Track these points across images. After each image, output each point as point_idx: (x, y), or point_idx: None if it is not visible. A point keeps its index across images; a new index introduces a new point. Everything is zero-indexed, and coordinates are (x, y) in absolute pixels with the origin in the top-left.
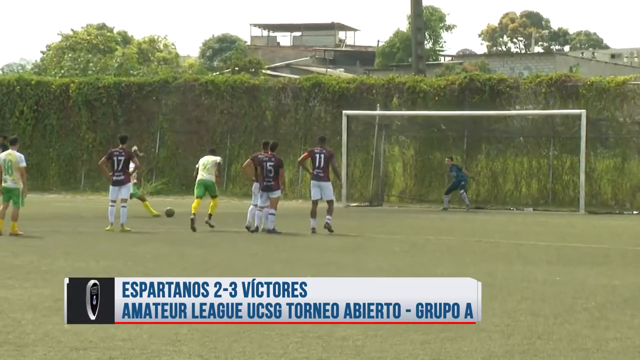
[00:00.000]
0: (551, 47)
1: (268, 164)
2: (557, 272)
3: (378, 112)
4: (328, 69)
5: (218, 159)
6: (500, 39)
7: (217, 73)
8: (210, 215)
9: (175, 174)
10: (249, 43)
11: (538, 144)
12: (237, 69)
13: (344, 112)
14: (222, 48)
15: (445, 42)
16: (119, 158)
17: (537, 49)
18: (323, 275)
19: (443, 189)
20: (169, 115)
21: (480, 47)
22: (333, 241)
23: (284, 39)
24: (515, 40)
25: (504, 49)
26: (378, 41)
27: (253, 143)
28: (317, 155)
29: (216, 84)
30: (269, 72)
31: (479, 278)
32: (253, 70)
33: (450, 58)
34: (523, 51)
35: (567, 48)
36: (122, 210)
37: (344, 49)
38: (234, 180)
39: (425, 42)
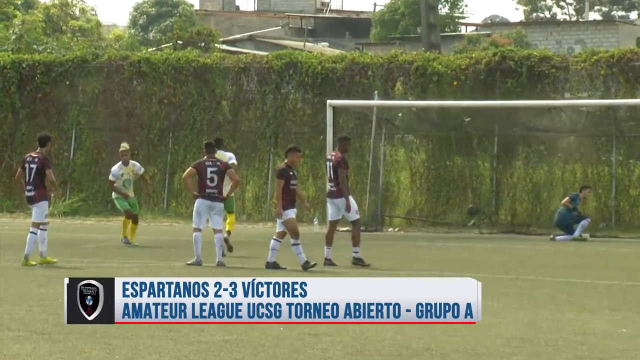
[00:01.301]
0: (612, 13)
1: (210, 170)
2: (624, 322)
3: (376, 102)
4: (307, 43)
5: (231, 158)
6: (543, 2)
7: (154, 49)
8: (228, 231)
9: (96, 186)
10: (197, 8)
11: (595, 146)
12: (180, 42)
13: (328, 102)
14: (160, 14)
15: (467, 6)
16: (31, 166)
17: (593, 16)
18: (301, 329)
19: (465, 206)
20: (88, 107)
21: (515, 14)
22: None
23: (246, 2)
24: (562, 3)
25: (548, 15)
26: (375, 5)
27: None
28: (327, 164)
29: (153, 63)
30: (225, 47)
31: (516, 329)
32: (203, 44)
33: (474, 28)
34: (574, 19)
35: (633, 15)
36: (36, 236)
37: (327, 15)
38: (178, 196)
39: (440, 6)
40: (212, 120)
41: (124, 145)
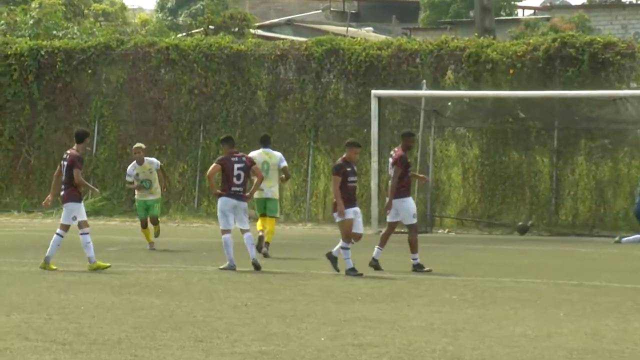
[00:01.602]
0: None
1: (237, 166)
2: None
3: (424, 92)
4: (349, 28)
5: (283, 162)
6: None
7: (184, 34)
8: (267, 243)
9: (121, 184)
10: None
11: None
12: (212, 27)
13: (373, 92)
14: None
15: None
16: (63, 163)
17: None
18: (344, 339)
19: (523, 206)
20: (112, 98)
21: None
22: (360, 285)
23: None
24: None
25: None
26: None
27: (238, 138)
28: (389, 161)
29: (182, 50)
30: (260, 32)
31: (578, 340)
32: (237, 29)
33: (532, 12)
34: None
35: None
36: (60, 238)
37: None
38: (210, 195)
39: None
40: (247, 112)
41: (139, 144)
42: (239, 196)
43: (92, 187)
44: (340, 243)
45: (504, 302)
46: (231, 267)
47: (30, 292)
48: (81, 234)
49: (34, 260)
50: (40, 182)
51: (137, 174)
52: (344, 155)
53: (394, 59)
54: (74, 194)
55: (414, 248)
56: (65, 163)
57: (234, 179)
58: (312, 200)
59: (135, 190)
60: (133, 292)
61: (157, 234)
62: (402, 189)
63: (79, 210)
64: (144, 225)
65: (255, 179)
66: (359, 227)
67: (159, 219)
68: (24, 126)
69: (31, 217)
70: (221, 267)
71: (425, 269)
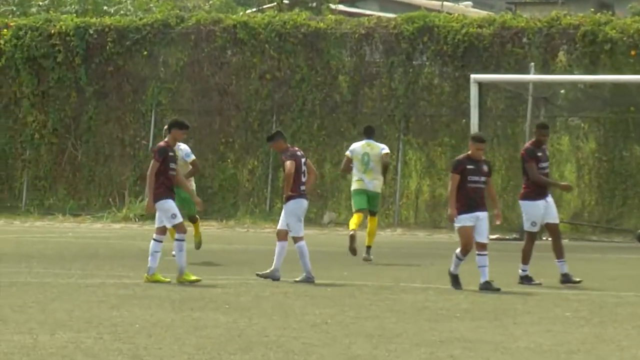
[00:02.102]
0: None
1: (303, 161)
2: None
3: (532, 76)
4: (445, 2)
5: (385, 149)
6: None
7: (254, 10)
8: (368, 247)
9: None
10: None
11: None
12: (287, 2)
13: (472, 76)
14: None
15: None
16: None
17: None
18: None
19: None
20: (171, 83)
21: None
22: (458, 300)
23: None
24: None
25: None
26: None
27: (317, 130)
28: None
29: (252, 28)
30: (342, 7)
31: None
32: (315, 4)
33: None
34: None
35: None
36: (159, 244)
37: None
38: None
39: None
40: (326, 100)
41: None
42: (306, 196)
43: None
44: (455, 252)
45: (625, 319)
46: (309, 280)
47: (77, 308)
48: (154, 239)
49: (81, 271)
50: (88, 180)
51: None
52: (469, 152)
53: (497, 38)
54: (162, 192)
55: (525, 258)
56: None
57: (302, 177)
58: (402, 202)
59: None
60: (196, 308)
61: (198, 245)
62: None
63: (165, 210)
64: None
65: (306, 177)
66: (481, 235)
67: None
68: (69, 116)
69: (78, 222)
70: (297, 279)
71: (535, 281)
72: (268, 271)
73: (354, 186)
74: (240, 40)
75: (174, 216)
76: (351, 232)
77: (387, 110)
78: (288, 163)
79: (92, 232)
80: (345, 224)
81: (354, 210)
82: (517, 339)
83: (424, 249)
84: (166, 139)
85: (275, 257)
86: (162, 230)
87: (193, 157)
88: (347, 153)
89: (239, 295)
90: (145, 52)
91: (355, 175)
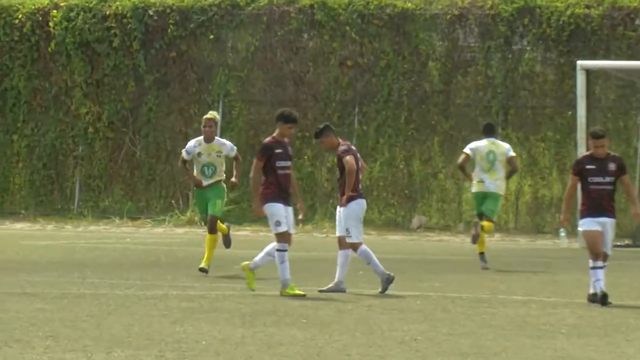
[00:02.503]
0: None
1: (358, 156)
2: None
3: None
4: None
5: (511, 151)
6: None
7: None
8: (482, 254)
9: None
10: None
11: None
12: None
13: (579, 63)
14: None
15: None
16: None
17: None
18: None
19: None
20: (240, 71)
21: None
22: (564, 314)
23: None
24: None
25: None
26: None
27: (405, 123)
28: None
29: (331, 9)
30: None
31: None
32: None
33: None
34: None
35: None
36: (282, 253)
37: None
38: (369, 196)
39: None
40: (415, 89)
41: (212, 114)
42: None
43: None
44: (589, 262)
45: None
46: (388, 280)
47: (136, 323)
48: (277, 249)
49: (140, 281)
50: (148, 180)
51: (200, 154)
52: (591, 151)
53: (607, 19)
54: (267, 193)
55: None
56: None
57: (360, 175)
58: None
59: (185, 176)
60: (269, 323)
61: (227, 242)
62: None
63: (274, 214)
64: (211, 229)
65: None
66: (605, 245)
67: (222, 223)
68: (127, 108)
69: (137, 226)
70: (381, 290)
71: None
72: (331, 285)
73: (475, 189)
74: (318, 23)
75: (278, 224)
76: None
77: (483, 101)
78: (349, 158)
79: (153, 237)
80: (437, 228)
81: (475, 215)
82: (630, 358)
83: (525, 257)
84: (274, 135)
85: (338, 268)
86: (284, 237)
87: (235, 151)
88: (467, 151)
89: (317, 309)
90: (211, 36)
91: (475, 176)
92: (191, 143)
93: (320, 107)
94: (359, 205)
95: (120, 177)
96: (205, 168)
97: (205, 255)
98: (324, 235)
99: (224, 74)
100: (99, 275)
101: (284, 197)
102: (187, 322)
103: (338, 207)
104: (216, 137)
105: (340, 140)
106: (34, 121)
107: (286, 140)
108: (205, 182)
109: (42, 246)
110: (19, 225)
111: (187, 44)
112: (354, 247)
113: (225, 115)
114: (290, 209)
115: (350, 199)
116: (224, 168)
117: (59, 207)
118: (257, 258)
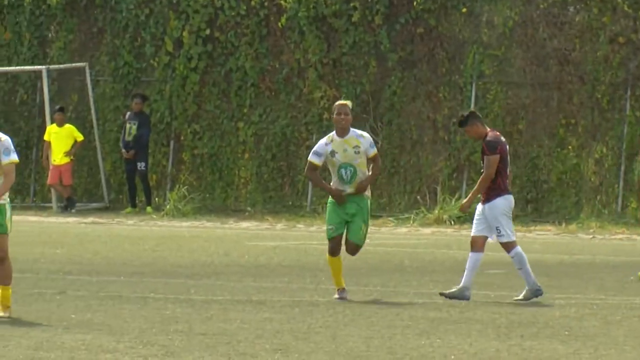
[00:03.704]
0: None
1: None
2: None
3: None
4: None
5: None
6: None
7: None
8: None
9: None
10: None
11: None
12: None
13: None
14: None
15: None
16: None
17: None
18: None
19: None
20: (496, 49)
21: None
22: None
23: None
24: None
25: None
26: None
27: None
28: None
29: None
30: None
31: None
32: None
33: None
34: None
35: None
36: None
37: None
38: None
39: None
40: None
41: (343, 102)
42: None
43: None
44: None
45: None
46: (537, 293)
47: (376, 335)
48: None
49: (381, 287)
50: (391, 173)
51: (334, 153)
52: None
53: None
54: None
55: None
56: None
57: (508, 168)
58: None
59: (315, 184)
60: (527, 335)
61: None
62: None
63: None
64: (334, 251)
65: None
66: None
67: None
68: (367, 91)
69: (378, 225)
70: (522, 299)
71: None
72: (455, 289)
73: None
74: None
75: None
76: None
77: None
78: (492, 159)
79: (396, 238)
80: None
81: None
82: None
83: None
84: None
85: (466, 272)
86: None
87: (375, 151)
88: None
89: (582, 320)
90: (464, 9)
91: None
92: (322, 141)
93: (587, 90)
94: (507, 201)
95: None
96: (343, 170)
97: (336, 280)
98: (590, 236)
99: (477, 53)
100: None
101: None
102: (434, 334)
103: (479, 205)
104: (352, 129)
105: (489, 130)
106: (262, 106)
107: None
108: (345, 189)
109: (271, 248)
110: (244, 225)
111: (436, 19)
112: (508, 247)
113: (479, 100)
114: None
115: (496, 195)
116: (367, 171)
117: (290, 203)
118: None
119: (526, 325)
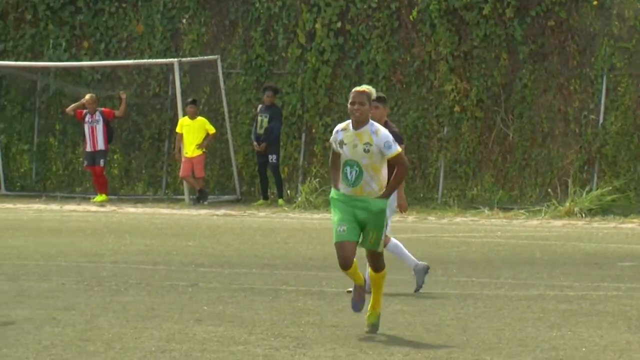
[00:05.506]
0: None
1: None
2: None
3: None
4: None
5: None
6: None
7: None
8: None
9: None
10: None
11: None
12: None
13: None
14: None
15: None
16: None
17: None
18: None
19: None
20: (628, 42)
21: None
22: None
23: None
24: None
25: None
26: None
27: None
28: None
29: None
30: None
31: None
32: None
33: None
34: None
35: None
36: None
37: None
38: None
39: None
40: None
41: (365, 87)
42: None
43: None
44: None
45: None
46: None
47: (508, 327)
48: None
49: (512, 280)
50: (522, 165)
51: (342, 143)
52: None
53: None
54: None
55: None
56: None
57: None
58: None
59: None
60: None
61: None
62: None
63: None
64: (345, 263)
65: None
66: None
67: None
68: (498, 84)
69: (509, 217)
70: None
71: None
72: None
73: None
74: None
75: None
76: None
77: None
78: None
79: (527, 230)
80: None
81: None
82: None
83: None
84: None
85: None
86: None
87: (394, 152)
88: None
89: None
90: (594, 2)
91: None
92: (339, 125)
93: None
94: None
95: (491, 163)
96: (348, 168)
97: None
98: None
99: (608, 45)
100: (465, 274)
101: None
102: (565, 326)
103: None
104: (372, 122)
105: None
106: (394, 99)
107: None
108: (346, 191)
109: (402, 240)
110: None
111: (567, 11)
112: None
113: (610, 92)
114: None
115: None
116: (382, 177)
117: (421, 195)
118: None
119: None
